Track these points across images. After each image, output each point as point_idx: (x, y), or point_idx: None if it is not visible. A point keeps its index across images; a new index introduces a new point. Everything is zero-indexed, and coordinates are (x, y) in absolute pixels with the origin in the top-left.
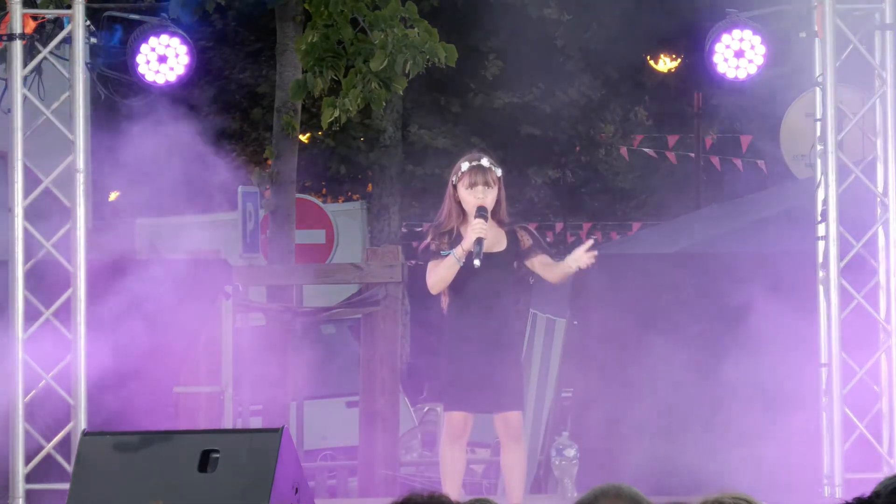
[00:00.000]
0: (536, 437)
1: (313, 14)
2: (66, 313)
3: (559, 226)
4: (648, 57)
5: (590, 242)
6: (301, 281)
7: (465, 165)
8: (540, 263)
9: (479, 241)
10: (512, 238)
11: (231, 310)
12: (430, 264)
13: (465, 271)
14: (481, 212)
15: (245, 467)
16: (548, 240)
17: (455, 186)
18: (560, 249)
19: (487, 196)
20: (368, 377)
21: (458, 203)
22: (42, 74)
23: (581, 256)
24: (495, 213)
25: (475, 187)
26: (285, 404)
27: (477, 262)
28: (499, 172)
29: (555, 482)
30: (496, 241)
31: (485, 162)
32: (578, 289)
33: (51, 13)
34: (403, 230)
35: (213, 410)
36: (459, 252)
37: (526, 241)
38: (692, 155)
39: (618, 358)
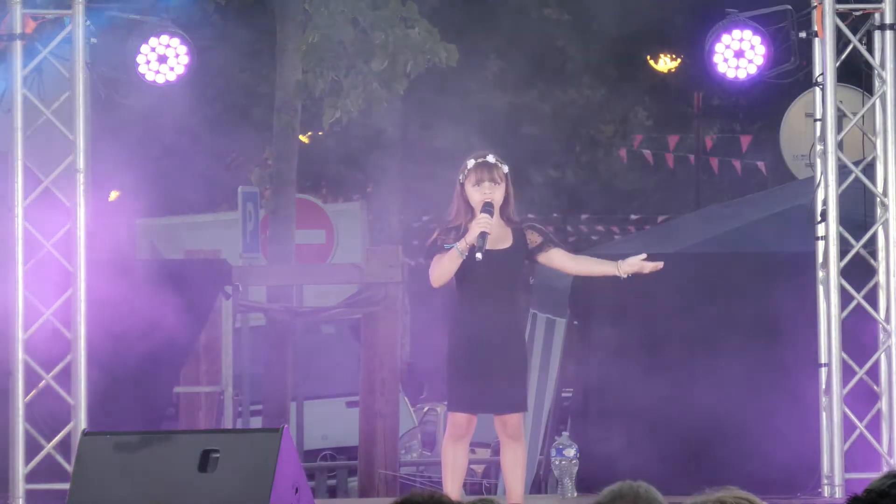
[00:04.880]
0: (536, 437)
1: (313, 14)
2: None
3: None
4: (648, 57)
5: (643, 255)
6: (301, 281)
7: (471, 163)
8: (558, 257)
9: (482, 235)
10: (518, 237)
11: (231, 310)
12: (434, 258)
13: (469, 268)
14: (487, 207)
15: (245, 467)
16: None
17: (462, 184)
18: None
19: (495, 192)
20: (368, 377)
21: (466, 200)
22: (42, 74)
23: (637, 263)
24: (503, 211)
25: (482, 184)
26: (285, 404)
27: (479, 256)
28: (505, 169)
29: (555, 482)
30: (501, 238)
31: (490, 158)
32: (578, 289)
33: (51, 13)
34: (404, 229)
35: (213, 410)
36: (462, 245)
37: (535, 239)
38: (692, 157)
39: (617, 357)
